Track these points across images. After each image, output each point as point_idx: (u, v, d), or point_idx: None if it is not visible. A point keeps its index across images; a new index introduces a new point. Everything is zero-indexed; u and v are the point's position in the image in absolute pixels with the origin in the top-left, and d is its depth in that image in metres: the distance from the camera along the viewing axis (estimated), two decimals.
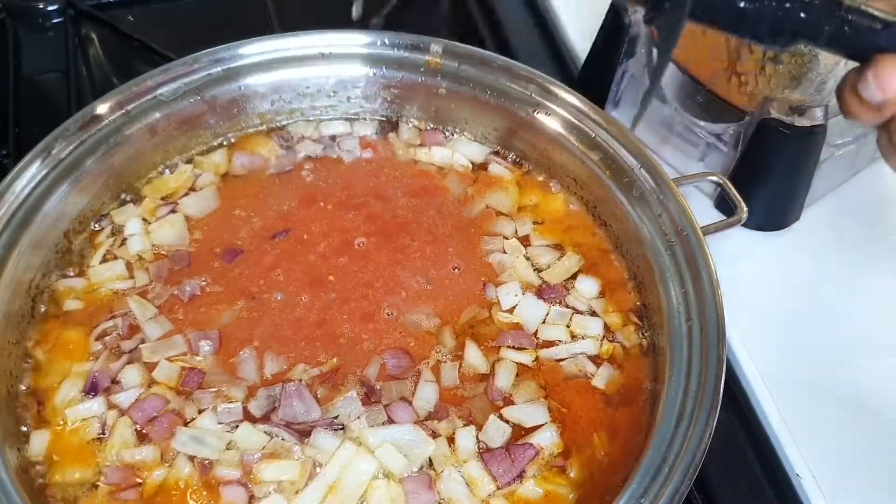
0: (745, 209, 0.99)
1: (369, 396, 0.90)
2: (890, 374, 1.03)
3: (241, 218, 1.06)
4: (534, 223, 1.07)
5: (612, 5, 1.16)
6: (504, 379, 0.92)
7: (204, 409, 0.89)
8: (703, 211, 1.15)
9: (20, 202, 0.93)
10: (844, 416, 0.99)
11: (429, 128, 1.15)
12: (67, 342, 0.93)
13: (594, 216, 1.06)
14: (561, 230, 1.06)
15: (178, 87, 1.06)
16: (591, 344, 0.96)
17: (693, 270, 0.90)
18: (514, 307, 0.98)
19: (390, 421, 0.88)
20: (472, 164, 1.12)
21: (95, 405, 0.88)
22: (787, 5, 0.67)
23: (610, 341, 0.96)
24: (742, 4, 0.67)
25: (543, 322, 0.97)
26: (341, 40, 1.10)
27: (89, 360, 0.92)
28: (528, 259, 1.03)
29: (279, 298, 0.98)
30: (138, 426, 0.87)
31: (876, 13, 0.67)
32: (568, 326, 0.97)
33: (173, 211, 1.05)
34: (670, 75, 1.15)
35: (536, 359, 0.94)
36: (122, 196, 1.06)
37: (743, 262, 1.13)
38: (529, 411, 0.90)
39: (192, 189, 1.08)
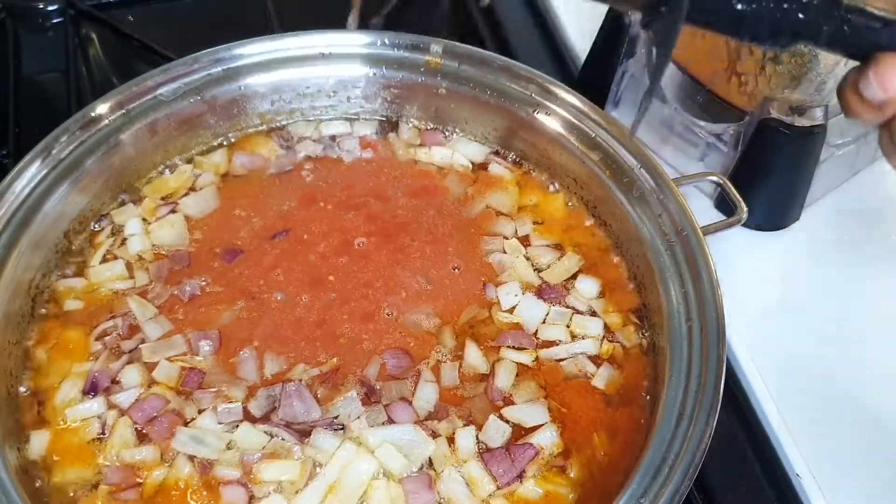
0: (745, 209, 0.99)
1: (369, 396, 0.90)
2: (890, 373, 1.03)
3: (241, 218, 1.06)
4: (534, 223, 1.07)
5: None
6: (504, 379, 0.92)
7: (204, 409, 0.89)
8: (703, 211, 1.15)
9: (20, 202, 0.93)
10: (844, 416, 0.99)
11: (429, 128, 1.15)
12: (67, 342, 0.93)
13: (594, 216, 1.06)
14: (561, 230, 1.06)
15: (178, 87, 1.06)
16: (591, 344, 0.96)
17: (693, 270, 0.90)
18: (514, 307, 0.98)
19: (390, 421, 0.89)
20: (472, 164, 1.13)
21: (95, 405, 0.88)
22: (786, 6, 0.67)
23: (610, 341, 0.96)
24: (740, 7, 0.67)
25: (543, 322, 0.97)
26: (341, 40, 1.10)
27: (89, 360, 0.92)
28: (528, 259, 1.03)
29: (279, 298, 0.98)
30: (138, 426, 0.88)
31: (875, 12, 0.67)
32: (568, 326, 0.97)
33: (173, 211, 1.05)
34: (670, 75, 1.15)
35: (536, 359, 0.94)
36: (122, 196, 1.06)
37: (743, 262, 1.13)
38: (529, 411, 0.90)
39: (192, 189, 1.08)
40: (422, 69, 1.10)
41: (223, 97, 1.09)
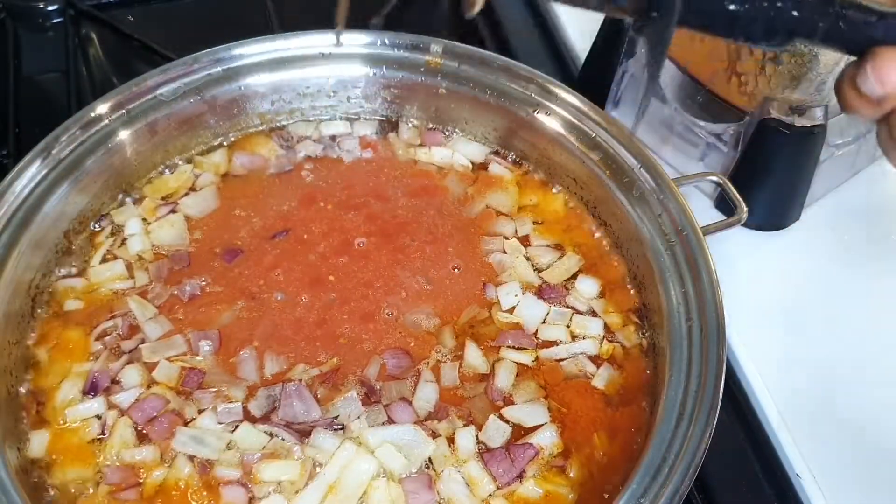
0: (745, 209, 0.99)
1: (369, 396, 0.90)
2: (890, 373, 1.03)
3: (241, 218, 1.06)
4: (534, 223, 1.07)
5: None
6: (504, 379, 0.92)
7: (204, 409, 0.89)
8: (703, 211, 1.15)
9: (20, 202, 0.93)
10: (844, 416, 0.99)
11: (429, 128, 1.15)
12: (67, 342, 0.93)
13: (594, 216, 1.06)
14: (561, 230, 1.06)
15: (178, 87, 1.06)
16: (591, 344, 0.96)
17: (693, 270, 0.90)
18: (514, 307, 0.98)
19: (390, 421, 0.89)
20: (472, 163, 1.13)
21: (95, 405, 0.88)
22: (779, 4, 0.66)
23: (610, 341, 0.96)
24: (732, 7, 0.66)
25: (543, 322, 0.97)
26: (341, 40, 1.10)
27: (89, 360, 0.92)
28: (528, 259, 1.03)
29: (279, 298, 0.98)
30: (138, 426, 0.87)
31: (870, 5, 0.66)
32: (568, 326, 0.97)
33: (173, 211, 1.05)
34: (670, 75, 1.15)
35: (536, 359, 0.94)
36: (122, 196, 1.06)
37: (743, 262, 1.13)
38: (529, 411, 0.90)
39: (192, 189, 1.08)
40: (422, 69, 1.10)
41: (223, 97, 1.09)
